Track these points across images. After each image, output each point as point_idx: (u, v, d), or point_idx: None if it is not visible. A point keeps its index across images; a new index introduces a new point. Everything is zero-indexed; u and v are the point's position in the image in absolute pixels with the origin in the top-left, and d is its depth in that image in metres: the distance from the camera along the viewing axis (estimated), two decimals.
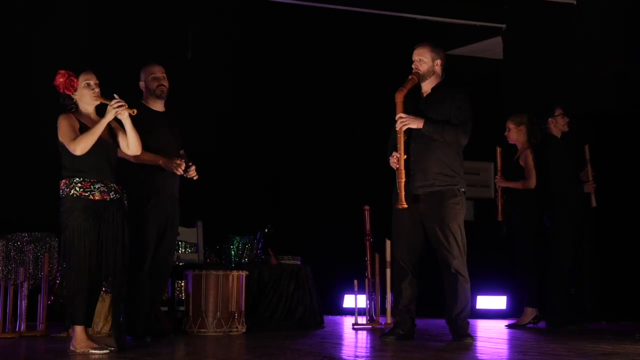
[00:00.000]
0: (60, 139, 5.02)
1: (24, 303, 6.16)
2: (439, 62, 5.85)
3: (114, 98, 5.02)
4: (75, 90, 5.08)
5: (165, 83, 6.06)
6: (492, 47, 9.50)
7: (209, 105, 8.71)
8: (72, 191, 4.96)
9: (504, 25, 9.18)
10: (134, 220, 5.80)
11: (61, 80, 5.05)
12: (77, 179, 4.98)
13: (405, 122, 5.68)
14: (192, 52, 8.10)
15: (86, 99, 5.10)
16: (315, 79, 9.20)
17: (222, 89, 8.83)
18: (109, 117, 4.99)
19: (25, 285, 6.18)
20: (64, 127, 5.01)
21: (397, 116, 5.71)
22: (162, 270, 6.08)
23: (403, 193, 5.64)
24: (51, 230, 6.43)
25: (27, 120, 7.74)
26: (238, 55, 8.95)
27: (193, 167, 6.05)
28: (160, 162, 5.91)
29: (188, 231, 7.32)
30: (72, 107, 5.11)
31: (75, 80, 5.07)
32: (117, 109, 4.98)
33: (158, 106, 6.08)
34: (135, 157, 5.60)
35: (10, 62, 7.85)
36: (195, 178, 6.08)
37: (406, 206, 5.65)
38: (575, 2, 8.86)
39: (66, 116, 5.06)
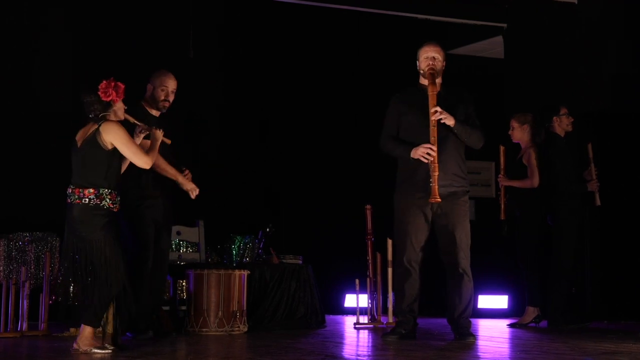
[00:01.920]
0: (120, 144, 5.05)
1: (26, 302, 6.15)
2: (445, 61, 5.88)
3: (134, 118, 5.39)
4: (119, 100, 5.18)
5: (171, 99, 6.12)
6: (493, 47, 9.49)
7: (211, 104, 8.71)
8: (102, 202, 5.02)
9: (505, 25, 9.17)
10: (133, 220, 5.83)
11: (117, 88, 5.10)
12: (107, 191, 5.04)
13: (443, 116, 5.62)
14: (194, 51, 8.08)
15: (120, 112, 5.19)
16: (317, 78, 9.19)
17: (224, 88, 8.82)
18: (160, 140, 5.47)
19: (27, 284, 6.18)
20: (126, 136, 5.10)
21: (433, 109, 5.62)
22: (161, 270, 6.10)
23: (437, 186, 5.59)
24: (52, 229, 6.42)
25: (29, 120, 7.73)
26: (239, 54, 8.93)
27: (187, 171, 6.15)
28: (180, 179, 6.07)
29: (189, 230, 7.32)
30: (108, 116, 5.13)
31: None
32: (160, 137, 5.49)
33: (154, 111, 6.12)
34: (158, 166, 5.84)
35: (11, 62, 7.84)
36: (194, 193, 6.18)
37: (440, 200, 5.62)
38: (576, 2, 8.85)
39: (119, 124, 5.12)
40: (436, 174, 5.58)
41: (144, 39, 8.19)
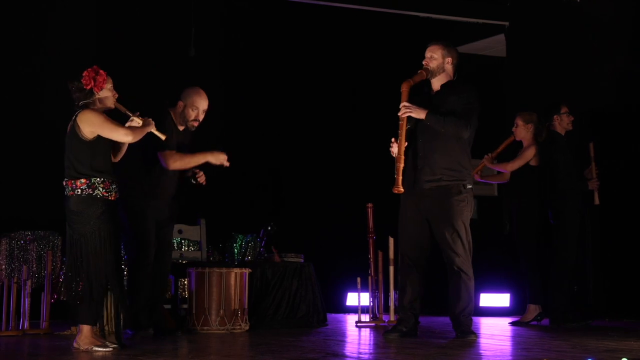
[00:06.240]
0: (99, 128, 4.96)
1: (27, 301, 6.16)
2: (449, 60, 5.86)
3: (127, 108, 5.20)
4: (101, 89, 5.09)
5: (201, 118, 6.09)
6: (495, 45, 9.49)
7: (212, 103, 8.68)
8: (95, 192, 4.96)
9: (506, 23, 9.17)
10: (134, 217, 5.82)
11: (97, 77, 5.04)
12: (98, 179, 4.98)
13: (409, 111, 5.67)
14: (195, 49, 8.09)
15: (107, 101, 5.13)
16: (319, 76, 9.19)
17: (225, 86, 8.82)
18: (150, 128, 5.20)
19: (29, 283, 6.19)
20: (102, 118, 4.98)
21: (402, 104, 5.70)
22: (162, 266, 6.08)
23: (400, 177, 5.65)
24: (54, 228, 6.44)
25: (30, 119, 7.75)
26: (240, 52, 8.94)
27: (202, 174, 6.11)
28: (210, 157, 6.01)
29: (191, 229, 7.33)
30: (90, 104, 5.08)
31: (108, 79, 5.11)
32: (152, 127, 5.24)
33: (179, 125, 6.09)
34: (185, 163, 5.88)
35: (14, 61, 7.86)
36: (204, 184, 6.13)
37: (402, 190, 5.66)
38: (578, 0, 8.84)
39: (95, 110, 5.04)
40: (400, 165, 5.65)
41: (146, 37, 8.20)
